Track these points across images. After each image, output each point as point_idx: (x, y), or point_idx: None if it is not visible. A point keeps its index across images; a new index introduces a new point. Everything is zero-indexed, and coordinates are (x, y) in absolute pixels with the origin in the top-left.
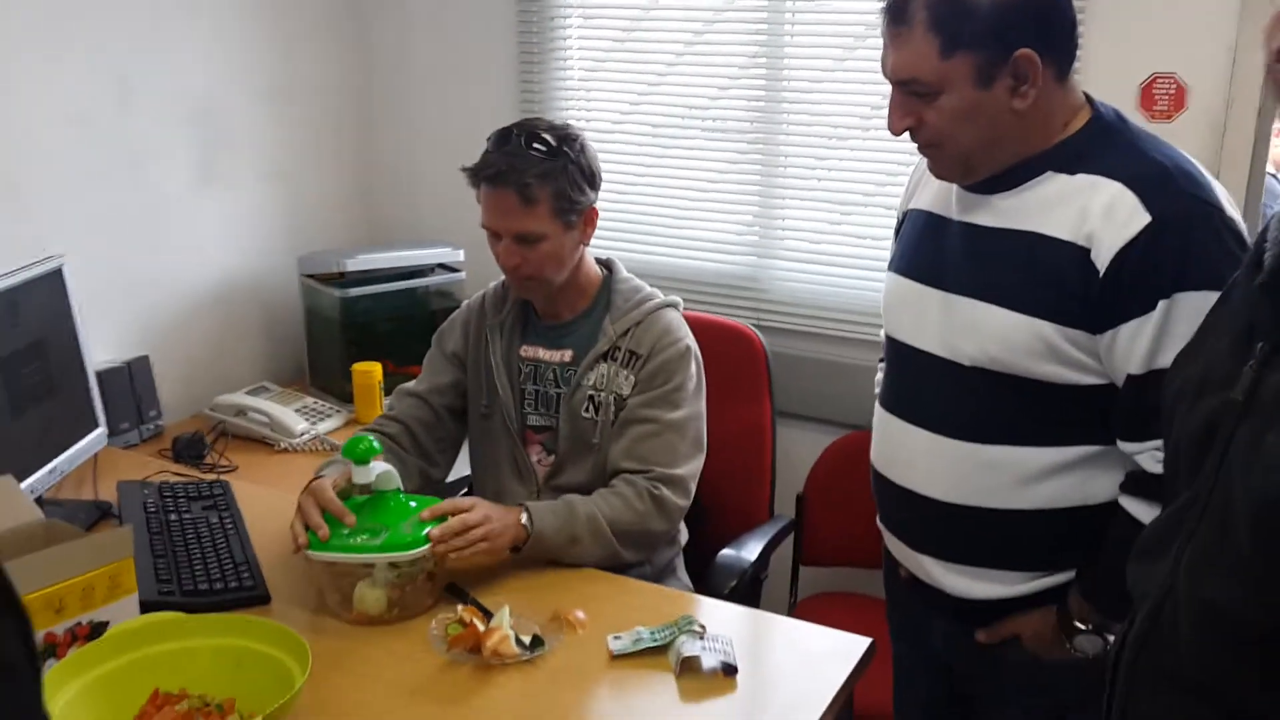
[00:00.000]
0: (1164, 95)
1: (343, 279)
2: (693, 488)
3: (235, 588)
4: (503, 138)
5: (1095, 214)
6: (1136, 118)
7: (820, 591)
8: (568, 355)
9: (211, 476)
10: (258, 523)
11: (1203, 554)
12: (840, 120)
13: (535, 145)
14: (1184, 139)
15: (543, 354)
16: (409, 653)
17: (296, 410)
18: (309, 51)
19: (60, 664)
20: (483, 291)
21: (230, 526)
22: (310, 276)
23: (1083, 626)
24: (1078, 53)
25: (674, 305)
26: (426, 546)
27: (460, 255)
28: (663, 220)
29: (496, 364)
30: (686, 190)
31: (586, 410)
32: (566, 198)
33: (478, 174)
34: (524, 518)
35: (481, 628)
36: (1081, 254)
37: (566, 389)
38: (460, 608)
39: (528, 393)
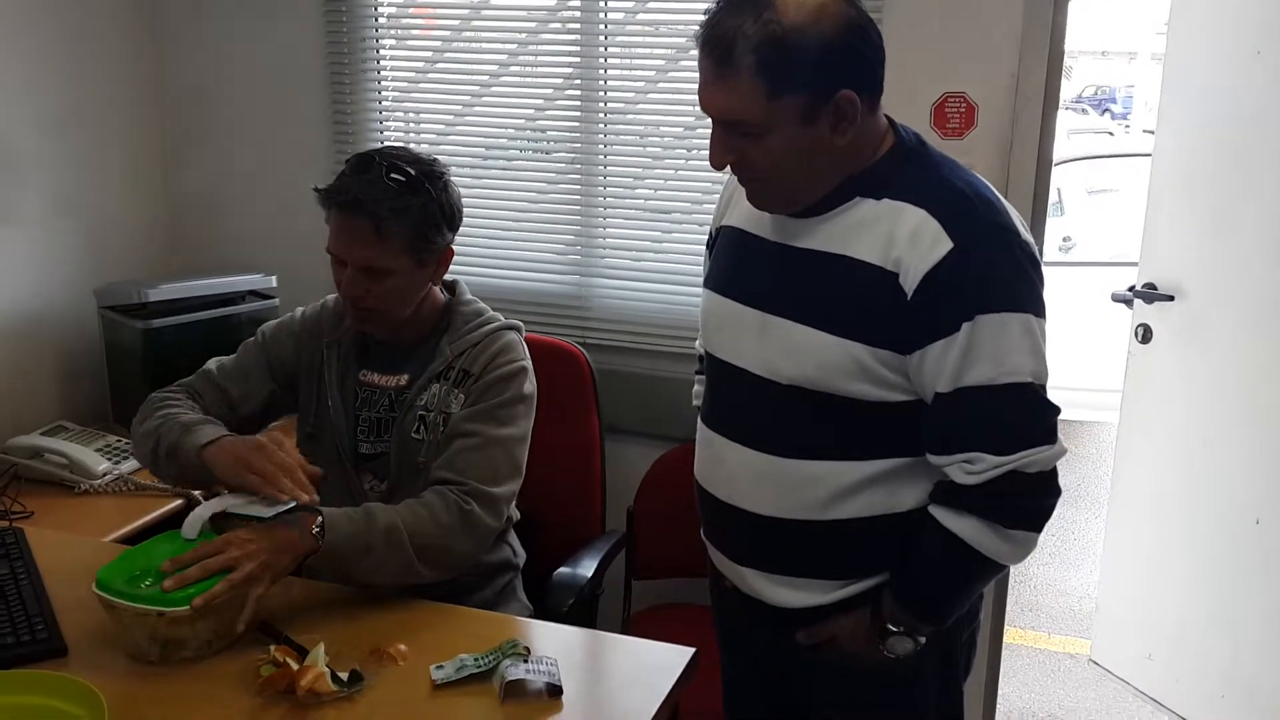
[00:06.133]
0: (955, 114)
1: (145, 310)
2: (506, 510)
3: (28, 641)
4: (363, 164)
5: (901, 240)
6: (930, 136)
7: (654, 604)
8: (404, 379)
9: (3, 524)
10: (56, 571)
11: None
12: (659, 137)
13: (395, 176)
14: (975, 155)
15: (378, 379)
16: (218, 697)
17: (98, 450)
18: (103, 73)
19: None
20: (321, 302)
21: (23, 577)
22: (109, 308)
23: (894, 629)
24: None
25: (515, 329)
26: (186, 609)
27: (273, 282)
28: (485, 240)
29: (331, 388)
30: (508, 210)
31: (417, 431)
32: (423, 236)
33: (330, 198)
34: (315, 526)
35: (295, 667)
36: (890, 278)
37: (399, 412)
38: (273, 647)
39: (362, 419)
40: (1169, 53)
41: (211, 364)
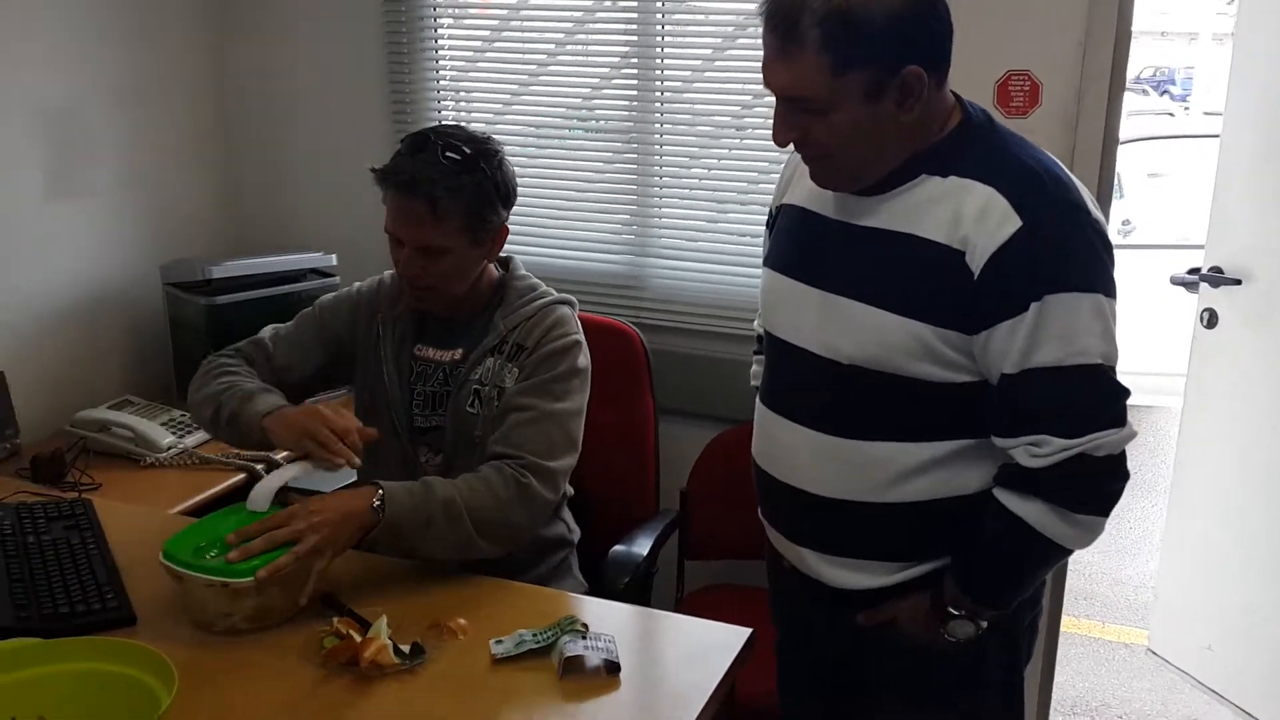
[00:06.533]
0: (1019, 92)
1: (209, 287)
2: (563, 484)
3: (98, 609)
4: (418, 144)
5: (969, 217)
6: (994, 115)
7: (707, 584)
8: (458, 354)
9: (73, 495)
10: (124, 541)
11: None
12: (715, 117)
13: (450, 155)
14: (1039, 134)
15: (433, 354)
16: (283, 667)
17: (163, 424)
18: (169, 52)
19: None
20: (378, 277)
21: (93, 547)
22: (173, 285)
23: (956, 612)
24: None
25: (568, 303)
26: (250, 580)
27: (333, 260)
28: (541, 219)
29: (387, 361)
30: (564, 189)
31: (472, 405)
32: (478, 215)
33: (387, 178)
34: (376, 500)
35: (358, 639)
36: (956, 257)
37: (453, 387)
38: (336, 620)
39: (416, 393)
40: (1237, 34)
41: (266, 331)
